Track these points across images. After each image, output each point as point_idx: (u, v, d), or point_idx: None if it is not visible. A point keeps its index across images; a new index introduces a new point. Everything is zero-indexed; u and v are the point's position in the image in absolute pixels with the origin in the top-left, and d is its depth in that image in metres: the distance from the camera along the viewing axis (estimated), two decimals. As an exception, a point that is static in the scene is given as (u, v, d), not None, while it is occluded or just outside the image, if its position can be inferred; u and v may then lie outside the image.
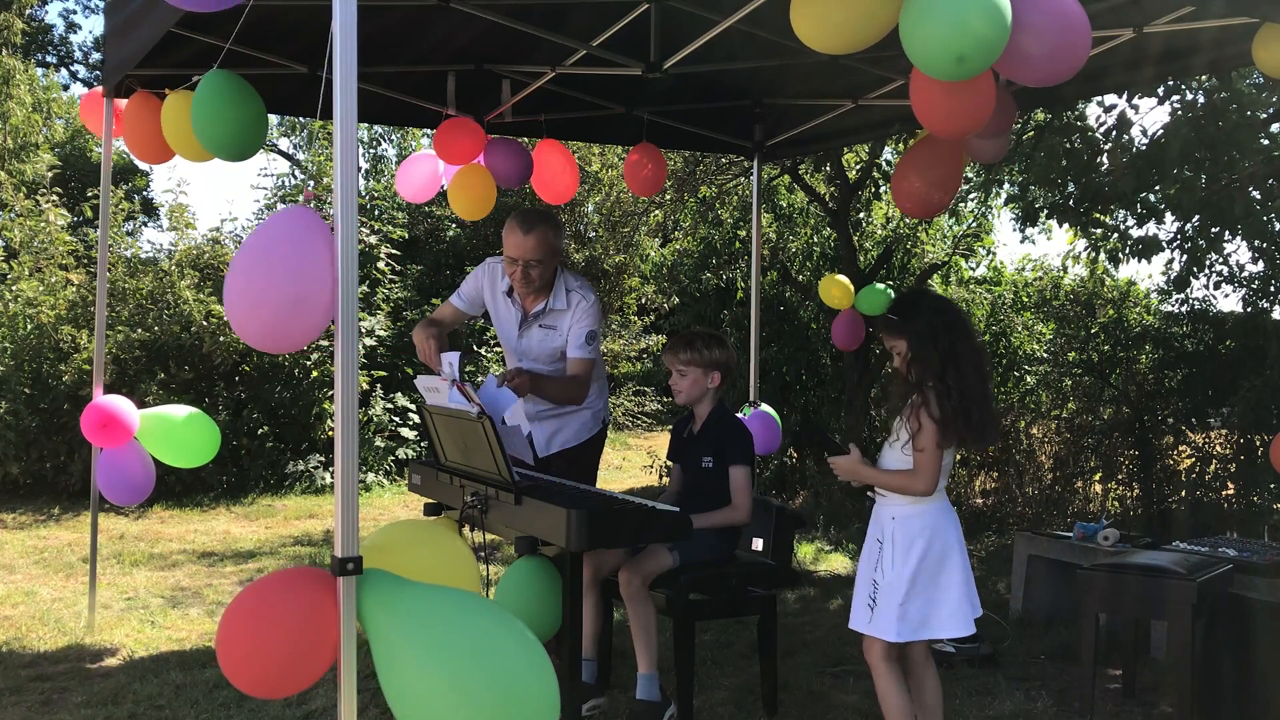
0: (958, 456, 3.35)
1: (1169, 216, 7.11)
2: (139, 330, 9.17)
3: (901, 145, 9.14)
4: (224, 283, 2.26)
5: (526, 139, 6.62)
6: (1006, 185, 8.62)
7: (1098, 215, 7.00)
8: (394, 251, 11.10)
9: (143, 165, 19.45)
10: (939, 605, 3.09)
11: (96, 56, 21.71)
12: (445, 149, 5.19)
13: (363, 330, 10.11)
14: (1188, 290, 7.71)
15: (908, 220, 9.78)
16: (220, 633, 2.15)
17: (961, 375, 3.03)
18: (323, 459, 9.60)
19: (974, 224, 10.03)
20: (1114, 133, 6.68)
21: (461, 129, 5.15)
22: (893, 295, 6.67)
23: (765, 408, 5.84)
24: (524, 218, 3.97)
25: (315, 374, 9.63)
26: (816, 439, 3.49)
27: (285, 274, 2.19)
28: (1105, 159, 6.73)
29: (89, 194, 10.59)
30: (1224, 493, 7.29)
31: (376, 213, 11.81)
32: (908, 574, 3.08)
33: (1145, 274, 47.96)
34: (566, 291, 4.10)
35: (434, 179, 5.77)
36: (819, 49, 2.96)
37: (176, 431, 4.82)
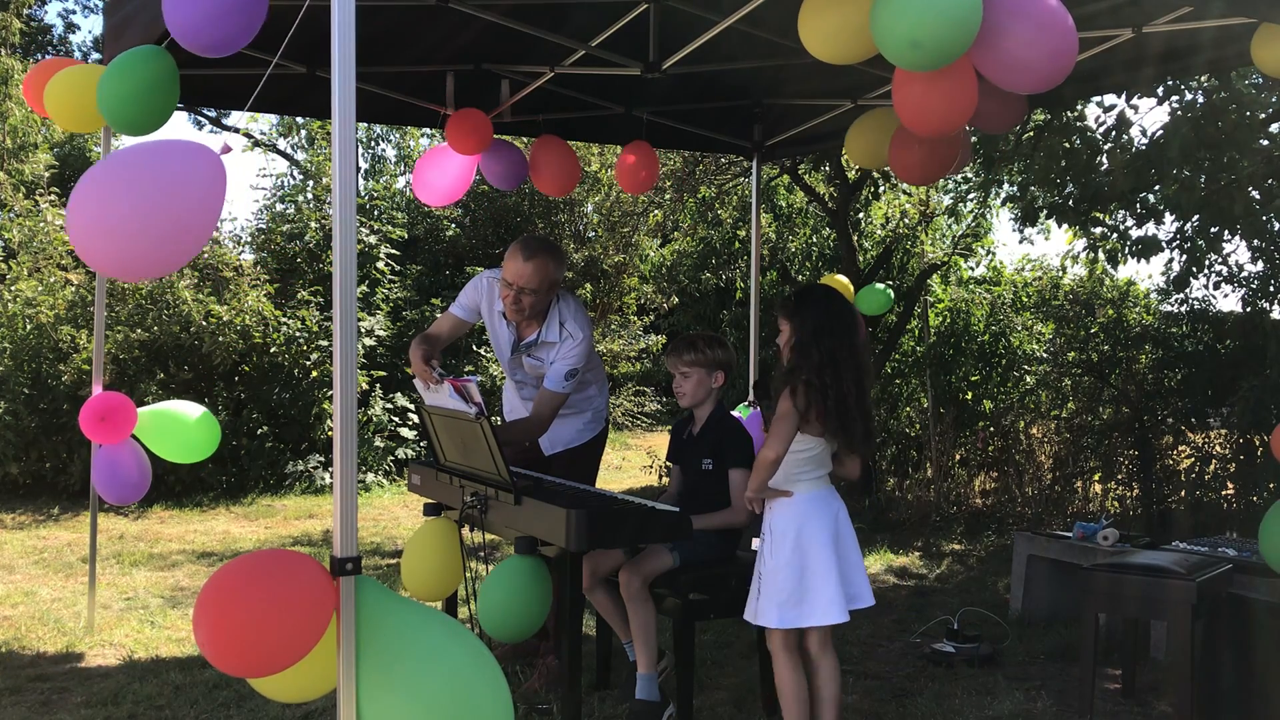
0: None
1: (1169, 216, 7.10)
2: (138, 330, 9.17)
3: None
4: (71, 199, 2.17)
5: (525, 138, 6.62)
6: (1006, 185, 8.61)
7: (1097, 215, 7.00)
8: (393, 251, 11.10)
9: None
10: (814, 593, 3.19)
11: (96, 56, 21.70)
12: (456, 140, 5.16)
13: (362, 330, 10.11)
14: (1187, 290, 7.71)
15: (907, 220, 9.78)
16: (198, 605, 2.14)
17: (840, 380, 3.15)
18: (322, 459, 9.60)
19: (973, 224, 10.02)
20: (1113, 133, 6.67)
21: (471, 120, 5.14)
22: (892, 295, 6.67)
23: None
24: (527, 244, 3.93)
25: (315, 374, 9.63)
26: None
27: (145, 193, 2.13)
28: (1105, 159, 6.73)
29: (88, 194, 10.58)
30: (1224, 493, 7.29)
31: (376, 213, 11.81)
32: (783, 562, 3.21)
33: (1145, 274, 48.00)
34: (560, 324, 4.04)
35: (463, 176, 5.44)
36: (828, 60, 3.03)
37: (175, 426, 4.81)
